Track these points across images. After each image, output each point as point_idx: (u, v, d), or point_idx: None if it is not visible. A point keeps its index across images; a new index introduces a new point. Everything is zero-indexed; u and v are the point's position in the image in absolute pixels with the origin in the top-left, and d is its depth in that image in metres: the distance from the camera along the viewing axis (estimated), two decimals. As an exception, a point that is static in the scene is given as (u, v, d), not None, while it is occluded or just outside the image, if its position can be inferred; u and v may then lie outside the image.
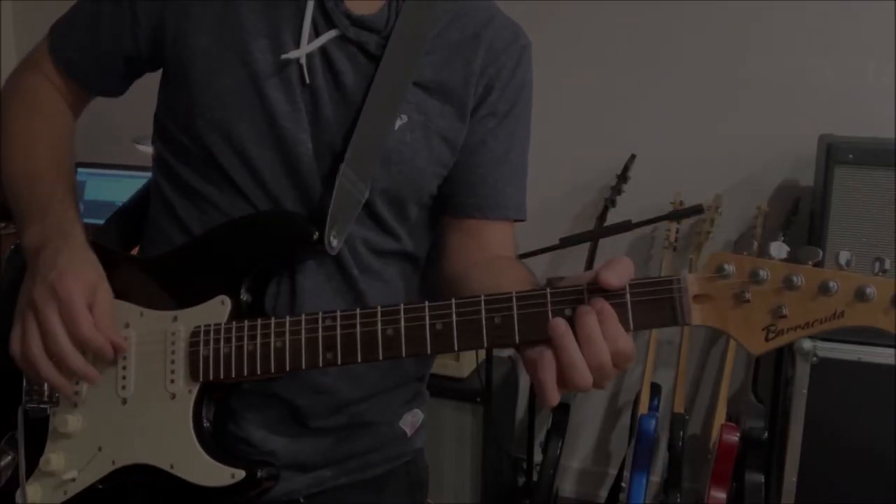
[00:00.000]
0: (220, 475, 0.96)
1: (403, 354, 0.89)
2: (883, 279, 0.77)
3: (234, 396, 1.04)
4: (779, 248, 0.80)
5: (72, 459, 1.03)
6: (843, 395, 2.30)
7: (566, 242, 2.44)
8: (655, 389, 2.69)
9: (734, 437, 2.43)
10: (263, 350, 0.95)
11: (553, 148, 2.89)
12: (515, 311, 0.84)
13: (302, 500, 1.11)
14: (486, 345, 0.86)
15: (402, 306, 0.89)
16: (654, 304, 0.81)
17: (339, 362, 0.92)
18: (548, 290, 0.84)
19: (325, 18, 1.05)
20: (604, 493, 2.96)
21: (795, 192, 2.69)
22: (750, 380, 2.56)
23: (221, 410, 1.03)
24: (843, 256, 0.79)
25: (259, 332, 0.96)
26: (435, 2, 1.08)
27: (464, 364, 2.65)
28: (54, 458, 1.03)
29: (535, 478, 2.78)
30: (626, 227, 2.57)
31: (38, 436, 1.06)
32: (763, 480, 2.43)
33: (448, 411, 2.65)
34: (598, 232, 2.62)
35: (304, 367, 0.94)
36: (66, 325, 0.96)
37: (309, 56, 1.03)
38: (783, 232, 2.55)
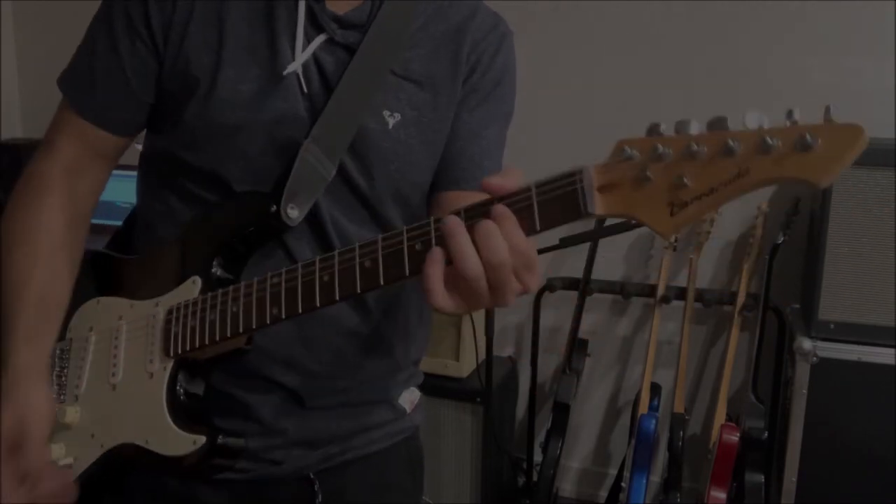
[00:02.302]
0: (184, 443, 0.98)
1: (337, 298, 0.89)
2: (784, 127, 0.71)
3: (234, 383, 1.06)
4: (694, 126, 0.75)
5: (70, 448, 1.07)
6: (843, 395, 2.30)
7: (566, 242, 2.44)
8: (655, 389, 2.68)
9: (734, 437, 2.43)
10: (222, 316, 0.97)
11: (553, 148, 2.90)
12: (433, 235, 0.83)
13: (312, 476, 1.14)
14: (408, 272, 0.84)
15: (336, 251, 0.89)
16: (557, 200, 0.78)
17: (284, 315, 0.93)
18: (462, 209, 0.82)
19: (314, 23, 1.06)
20: (604, 493, 2.96)
21: (795, 192, 2.69)
22: (750, 380, 2.55)
23: (223, 395, 1.06)
24: (754, 118, 0.73)
25: (219, 300, 0.98)
26: (417, 1, 1.09)
27: (464, 364, 2.65)
28: (55, 447, 1.06)
29: (535, 478, 2.78)
30: (626, 227, 2.57)
31: None
32: (763, 480, 2.42)
33: (448, 411, 2.65)
34: (598, 232, 2.62)
35: (254, 326, 0.95)
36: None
37: (304, 63, 1.04)
38: (783, 232, 2.54)
